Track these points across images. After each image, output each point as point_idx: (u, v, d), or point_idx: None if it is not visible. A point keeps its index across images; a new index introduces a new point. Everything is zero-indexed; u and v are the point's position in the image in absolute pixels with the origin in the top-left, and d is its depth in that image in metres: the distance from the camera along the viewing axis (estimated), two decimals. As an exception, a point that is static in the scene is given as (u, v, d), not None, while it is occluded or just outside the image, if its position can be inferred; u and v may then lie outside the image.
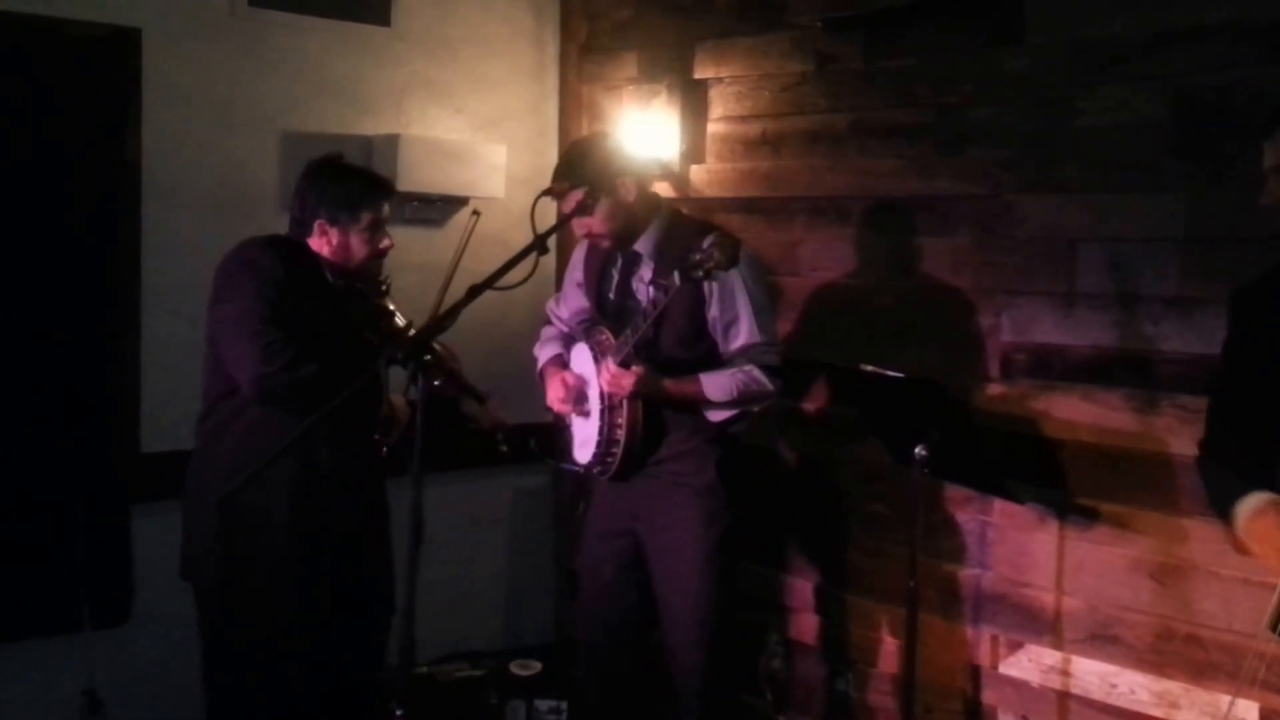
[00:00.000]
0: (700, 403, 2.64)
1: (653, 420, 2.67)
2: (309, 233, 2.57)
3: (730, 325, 2.64)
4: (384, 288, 2.70)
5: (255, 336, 2.40)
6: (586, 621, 2.91)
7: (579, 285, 2.91)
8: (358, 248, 2.56)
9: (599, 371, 2.67)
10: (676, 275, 2.43)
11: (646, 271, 2.70)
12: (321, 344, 2.47)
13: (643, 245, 2.70)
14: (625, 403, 2.64)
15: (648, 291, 2.64)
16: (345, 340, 2.54)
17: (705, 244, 2.40)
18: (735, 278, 2.60)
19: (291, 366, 2.39)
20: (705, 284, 2.58)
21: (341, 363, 2.43)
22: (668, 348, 2.66)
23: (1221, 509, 1.98)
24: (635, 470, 2.72)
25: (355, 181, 2.58)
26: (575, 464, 2.83)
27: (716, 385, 2.62)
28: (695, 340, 2.67)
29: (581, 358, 2.81)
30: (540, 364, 2.95)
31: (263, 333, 2.40)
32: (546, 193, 2.59)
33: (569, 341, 2.93)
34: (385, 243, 2.60)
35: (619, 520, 2.81)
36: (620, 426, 2.65)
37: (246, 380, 2.42)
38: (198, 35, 3.28)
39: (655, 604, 2.77)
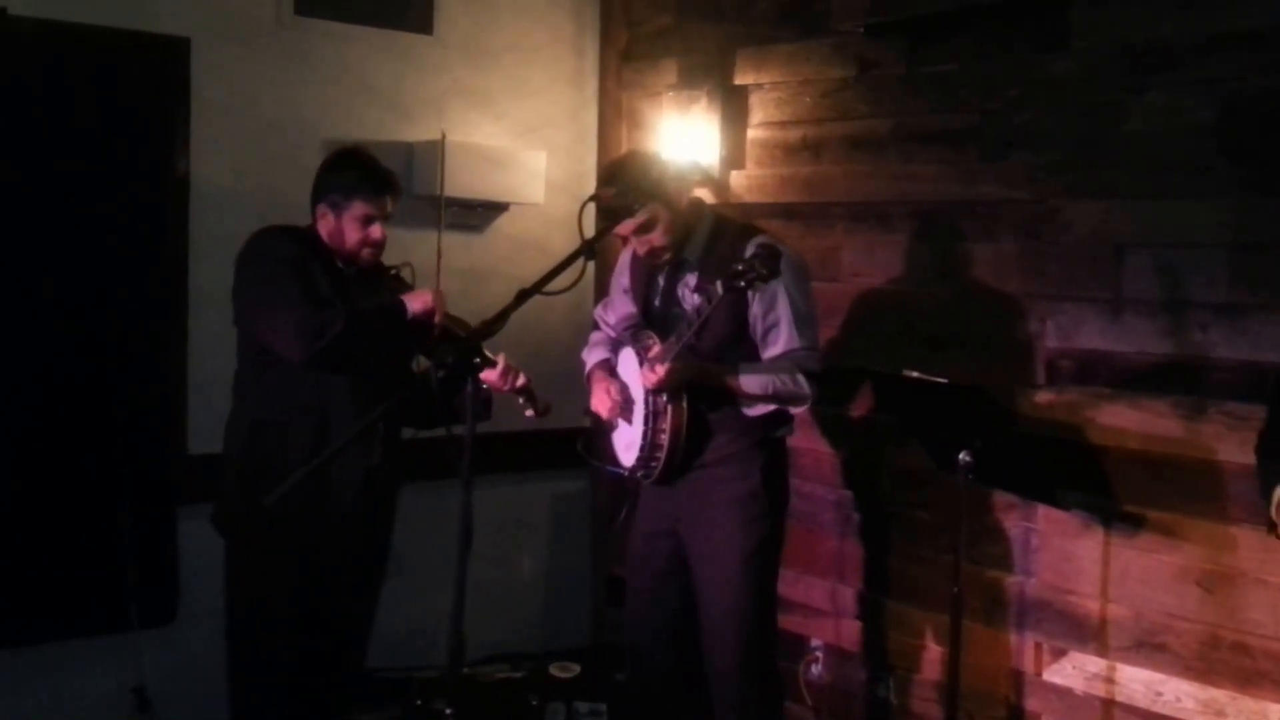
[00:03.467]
0: (734, 391, 2.64)
1: (697, 424, 2.68)
2: (315, 219, 2.68)
3: (770, 329, 2.66)
4: (393, 271, 2.77)
5: (288, 316, 2.51)
6: (631, 623, 2.92)
7: (625, 291, 2.93)
8: (350, 234, 2.64)
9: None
10: (720, 285, 2.45)
11: (691, 278, 2.72)
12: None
13: (688, 251, 2.73)
14: (669, 407, 2.65)
15: (693, 299, 2.66)
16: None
17: (748, 254, 2.43)
18: (778, 282, 2.60)
19: (323, 332, 2.49)
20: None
21: (363, 318, 2.55)
22: (709, 350, 2.67)
23: (1264, 493, 1.99)
24: (679, 474, 2.73)
25: (353, 171, 2.66)
26: (620, 467, 2.85)
27: (752, 378, 2.63)
28: (736, 344, 2.68)
29: (628, 363, 2.83)
30: (588, 368, 2.98)
31: (293, 310, 2.51)
32: (594, 198, 2.61)
33: (617, 346, 2.95)
34: (375, 233, 2.66)
35: (662, 521, 2.82)
36: (664, 431, 2.66)
37: (295, 359, 2.52)
38: (244, 44, 3.33)
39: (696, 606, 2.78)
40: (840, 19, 3.29)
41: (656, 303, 2.81)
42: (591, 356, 3.00)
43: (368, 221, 2.65)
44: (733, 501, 2.71)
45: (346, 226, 2.64)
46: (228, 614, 2.71)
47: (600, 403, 2.84)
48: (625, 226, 2.63)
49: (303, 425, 2.60)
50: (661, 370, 2.54)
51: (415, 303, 2.61)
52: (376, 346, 2.60)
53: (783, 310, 2.64)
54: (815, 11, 3.37)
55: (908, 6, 3.09)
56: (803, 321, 2.67)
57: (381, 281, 2.75)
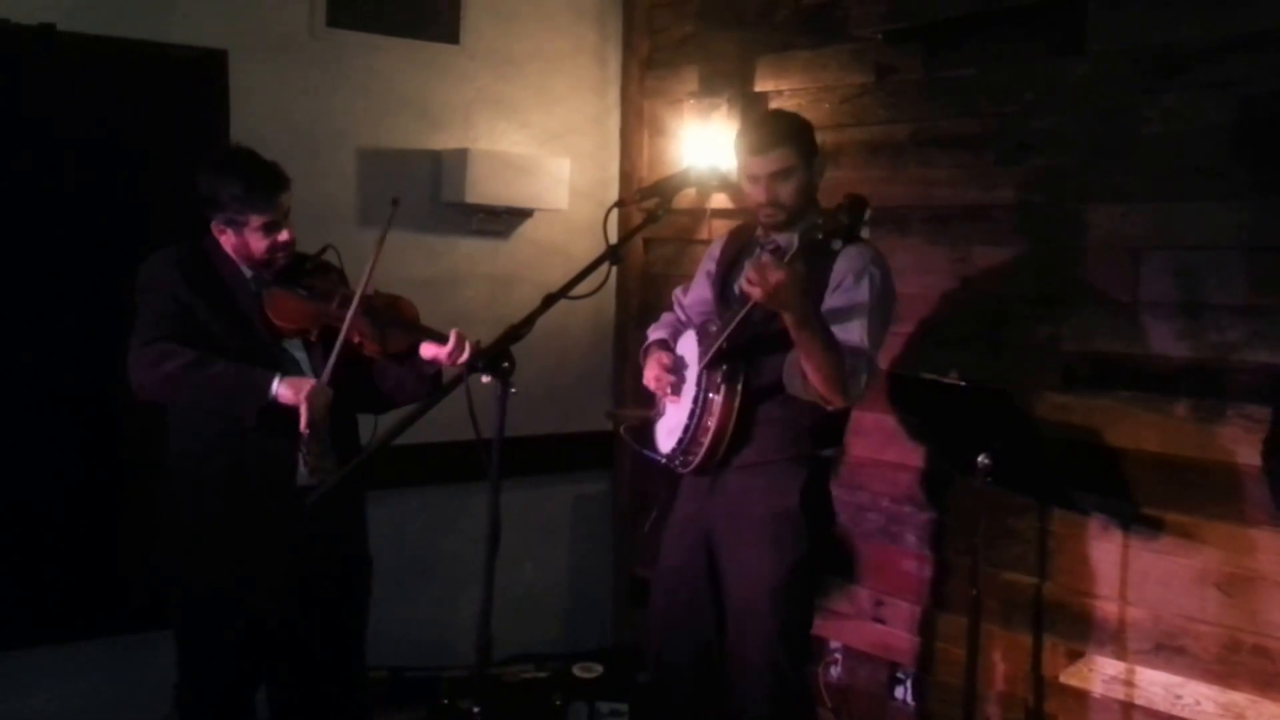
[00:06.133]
0: (820, 337, 2.40)
1: (745, 417, 2.57)
2: (213, 233, 2.54)
3: (842, 320, 2.48)
4: (309, 265, 2.62)
5: (132, 347, 2.41)
6: (660, 635, 2.81)
7: (709, 275, 2.83)
8: (256, 246, 2.51)
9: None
10: (796, 238, 2.31)
11: None
12: (229, 345, 2.46)
13: (785, 239, 2.55)
14: (723, 389, 2.54)
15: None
16: (256, 335, 2.51)
17: (834, 208, 2.25)
18: (868, 277, 2.48)
19: (156, 366, 2.37)
20: (834, 271, 2.49)
21: (206, 370, 2.39)
22: (772, 330, 2.48)
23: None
24: (718, 467, 2.62)
25: (237, 183, 2.48)
26: (657, 452, 2.75)
27: (843, 334, 2.45)
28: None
29: (688, 344, 2.72)
30: (646, 344, 2.88)
31: (135, 342, 2.40)
32: (619, 204, 2.64)
33: (678, 332, 2.85)
34: (282, 236, 2.52)
35: (695, 531, 2.72)
36: (711, 416, 2.55)
37: (134, 391, 2.42)
38: (279, 56, 3.40)
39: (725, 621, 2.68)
40: (859, 26, 3.32)
41: (736, 289, 2.64)
42: (654, 333, 2.88)
43: (271, 229, 2.50)
44: (768, 520, 2.58)
45: (250, 240, 2.50)
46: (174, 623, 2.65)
47: (652, 375, 2.71)
48: (770, 162, 2.51)
49: (219, 457, 2.49)
50: (783, 273, 2.26)
51: (285, 390, 2.40)
52: (213, 403, 2.41)
53: (859, 308, 2.47)
54: (834, 19, 3.40)
55: (925, 13, 3.12)
56: (875, 326, 2.49)
57: (302, 277, 2.58)
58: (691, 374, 2.66)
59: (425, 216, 3.69)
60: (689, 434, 2.59)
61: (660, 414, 2.79)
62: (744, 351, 2.55)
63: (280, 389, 2.41)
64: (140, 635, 3.17)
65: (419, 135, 3.67)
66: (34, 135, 3.01)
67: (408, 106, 3.65)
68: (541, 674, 3.56)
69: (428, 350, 2.53)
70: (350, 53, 3.53)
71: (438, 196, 3.70)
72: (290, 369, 2.51)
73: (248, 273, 2.56)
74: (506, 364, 2.11)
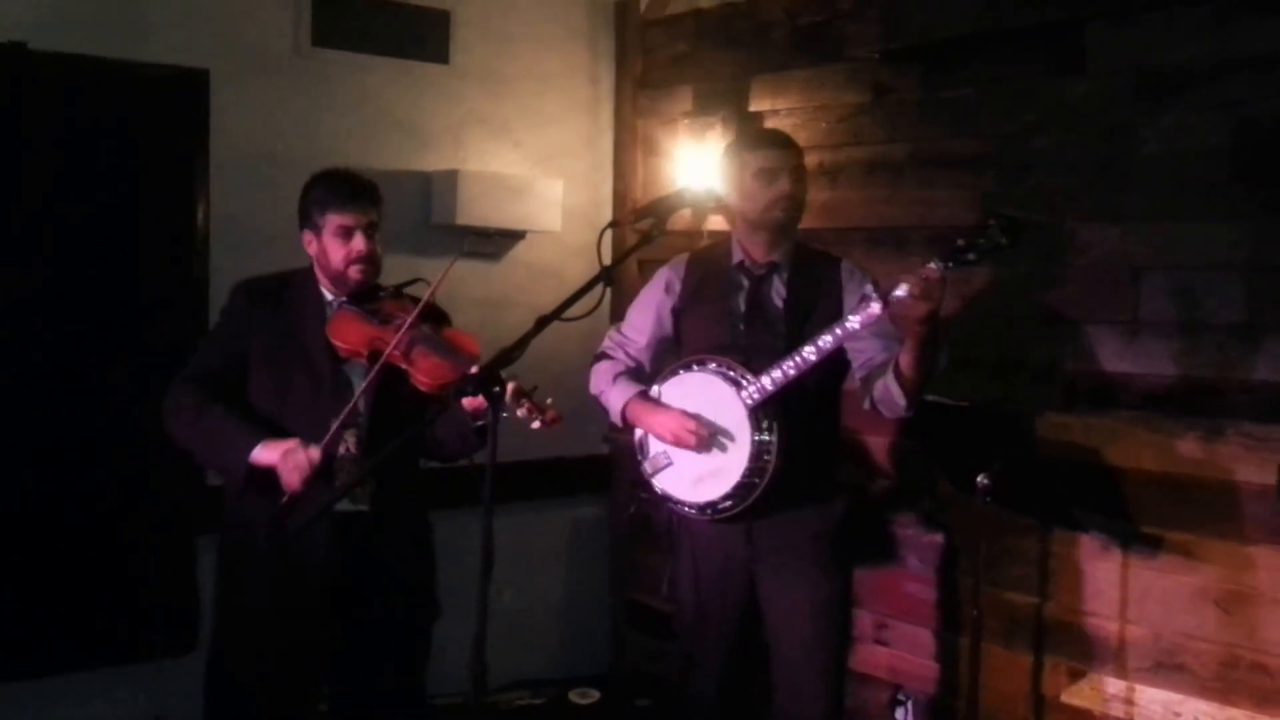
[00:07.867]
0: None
1: (792, 452, 2.55)
2: (309, 254, 2.55)
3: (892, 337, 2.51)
4: (382, 293, 2.56)
5: (171, 387, 2.47)
6: (701, 675, 2.77)
7: (671, 310, 2.81)
8: (333, 254, 2.48)
9: (878, 300, 2.40)
10: (937, 263, 2.30)
11: (780, 285, 2.66)
12: (283, 367, 2.47)
13: (780, 255, 2.69)
14: (776, 430, 2.53)
15: (850, 306, 2.55)
16: (314, 357, 2.48)
17: (978, 224, 2.29)
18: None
19: (167, 408, 2.44)
20: (845, 286, 2.61)
21: (197, 420, 2.42)
22: (814, 372, 2.52)
23: None
24: (763, 513, 2.59)
25: (321, 187, 2.51)
26: (685, 504, 2.67)
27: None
28: (833, 360, 2.55)
29: (711, 389, 2.63)
30: (620, 402, 2.77)
31: (175, 384, 2.47)
32: (613, 224, 2.63)
33: (638, 375, 2.84)
34: (357, 244, 2.46)
35: (729, 564, 2.68)
36: (770, 455, 2.52)
37: None
38: (263, 75, 3.37)
39: (769, 650, 2.69)
40: (856, 46, 3.32)
41: (741, 326, 2.66)
42: (619, 390, 2.78)
43: (346, 234, 2.46)
44: (817, 540, 2.61)
45: (329, 246, 2.48)
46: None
47: (682, 428, 2.62)
48: (792, 155, 2.64)
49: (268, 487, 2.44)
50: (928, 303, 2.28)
51: (265, 453, 2.35)
52: (199, 454, 2.50)
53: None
54: (831, 38, 3.40)
55: (923, 32, 3.12)
56: None
57: (371, 301, 2.52)
58: (728, 417, 2.59)
59: (415, 239, 3.65)
60: (748, 476, 2.54)
61: (666, 464, 2.71)
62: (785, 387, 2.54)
63: (259, 453, 2.36)
64: (120, 669, 3.13)
65: (408, 156, 3.65)
66: (4, 156, 2.95)
67: (397, 127, 3.63)
68: (538, 700, 3.55)
69: (468, 400, 2.40)
70: (337, 73, 3.51)
71: (428, 218, 3.68)
72: (342, 391, 2.45)
73: (328, 296, 2.54)
74: (498, 388, 2.08)
